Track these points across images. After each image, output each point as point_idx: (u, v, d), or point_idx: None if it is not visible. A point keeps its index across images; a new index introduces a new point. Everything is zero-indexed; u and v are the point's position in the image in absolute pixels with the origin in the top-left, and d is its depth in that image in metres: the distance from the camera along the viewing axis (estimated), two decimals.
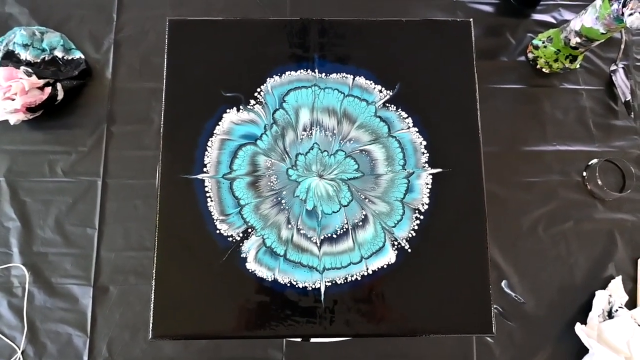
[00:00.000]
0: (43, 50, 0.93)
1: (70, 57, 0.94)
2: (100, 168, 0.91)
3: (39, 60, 0.93)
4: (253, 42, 0.69)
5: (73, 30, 0.97)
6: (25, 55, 0.92)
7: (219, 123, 0.67)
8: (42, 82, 0.87)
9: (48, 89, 0.88)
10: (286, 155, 0.66)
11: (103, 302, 0.86)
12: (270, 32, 0.70)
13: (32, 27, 0.94)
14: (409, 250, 0.64)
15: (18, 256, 0.88)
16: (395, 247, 0.64)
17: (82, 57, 0.94)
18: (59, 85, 0.89)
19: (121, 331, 0.85)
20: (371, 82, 0.69)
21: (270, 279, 0.62)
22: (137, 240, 0.88)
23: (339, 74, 0.69)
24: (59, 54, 0.93)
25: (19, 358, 0.84)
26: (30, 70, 0.87)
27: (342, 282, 0.63)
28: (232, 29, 0.70)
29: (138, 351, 0.85)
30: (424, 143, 0.67)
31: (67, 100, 0.92)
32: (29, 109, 0.87)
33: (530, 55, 0.99)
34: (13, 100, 0.85)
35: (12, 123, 0.87)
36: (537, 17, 1.02)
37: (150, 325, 0.60)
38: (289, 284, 0.62)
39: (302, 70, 0.69)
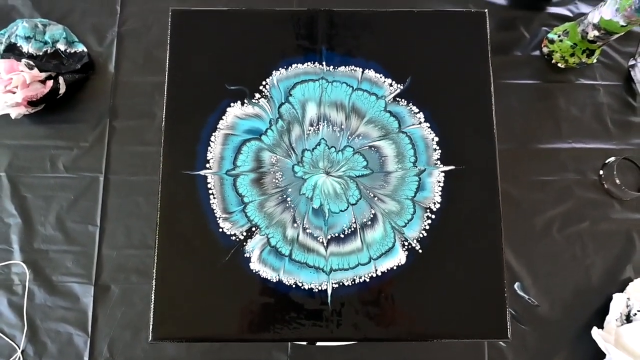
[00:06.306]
0: (45, 42, 0.91)
1: (72, 50, 0.92)
2: (102, 164, 0.89)
3: (41, 53, 0.91)
4: (258, 33, 0.67)
5: (76, 23, 0.95)
6: (27, 47, 0.90)
7: (223, 117, 0.64)
8: (43, 75, 0.86)
9: (50, 83, 0.86)
10: (292, 151, 0.64)
11: (104, 301, 0.84)
12: (277, 23, 0.67)
13: (34, 20, 0.93)
14: (420, 251, 0.61)
15: (18, 253, 0.86)
16: (406, 247, 0.61)
17: (85, 50, 0.93)
18: (61, 79, 0.88)
19: (122, 331, 0.83)
20: (381, 75, 0.66)
21: (274, 280, 0.60)
22: (139, 238, 0.87)
23: (347, 66, 0.66)
24: (61, 46, 0.91)
25: (19, 357, 0.82)
26: (31, 63, 0.85)
27: (350, 284, 0.60)
28: (237, 19, 0.68)
29: (139, 351, 0.83)
30: (436, 139, 0.64)
31: (69, 94, 0.91)
32: (30, 103, 0.85)
33: (545, 50, 0.96)
34: (14, 93, 0.83)
35: (13, 117, 0.85)
36: (553, 10, 0.99)
37: (150, 326, 0.58)
38: (294, 286, 0.60)
39: (309, 63, 0.66)
